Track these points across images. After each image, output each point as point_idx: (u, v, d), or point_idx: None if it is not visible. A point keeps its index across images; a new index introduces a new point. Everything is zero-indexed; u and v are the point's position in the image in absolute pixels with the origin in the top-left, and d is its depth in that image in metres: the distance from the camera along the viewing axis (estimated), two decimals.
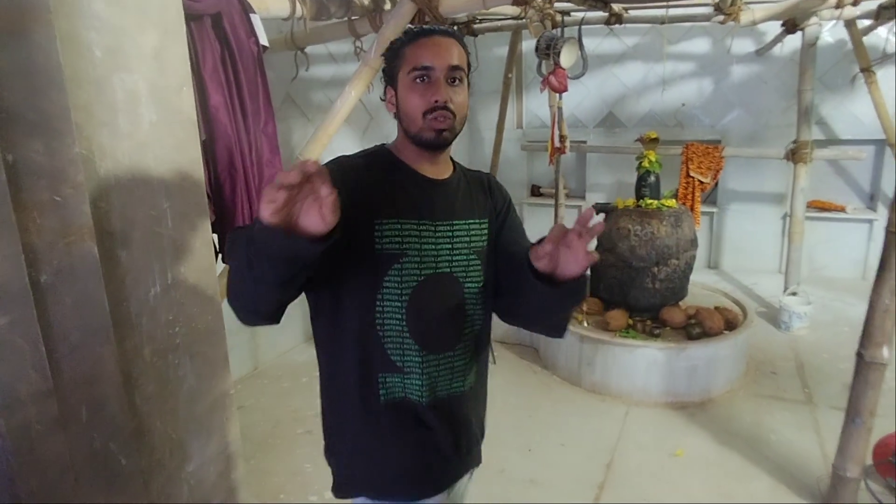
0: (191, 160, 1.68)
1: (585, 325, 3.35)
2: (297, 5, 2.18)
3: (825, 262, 5.29)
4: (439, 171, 1.18)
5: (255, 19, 1.89)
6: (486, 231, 1.20)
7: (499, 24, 4.59)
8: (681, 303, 3.49)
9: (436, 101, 1.07)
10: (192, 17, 1.65)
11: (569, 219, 5.42)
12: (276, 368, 3.72)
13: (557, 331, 1.21)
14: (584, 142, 5.79)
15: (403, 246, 1.09)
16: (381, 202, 1.10)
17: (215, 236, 2.05)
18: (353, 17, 2.54)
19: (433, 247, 1.12)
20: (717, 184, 5.20)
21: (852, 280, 5.15)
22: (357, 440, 1.16)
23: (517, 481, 2.51)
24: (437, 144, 1.12)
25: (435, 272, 1.12)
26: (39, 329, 1.27)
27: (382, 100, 1.20)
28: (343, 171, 1.08)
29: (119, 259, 1.53)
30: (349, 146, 4.50)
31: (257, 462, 2.75)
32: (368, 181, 1.11)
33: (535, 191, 6.30)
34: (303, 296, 1.15)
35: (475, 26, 4.55)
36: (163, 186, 1.61)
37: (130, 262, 1.56)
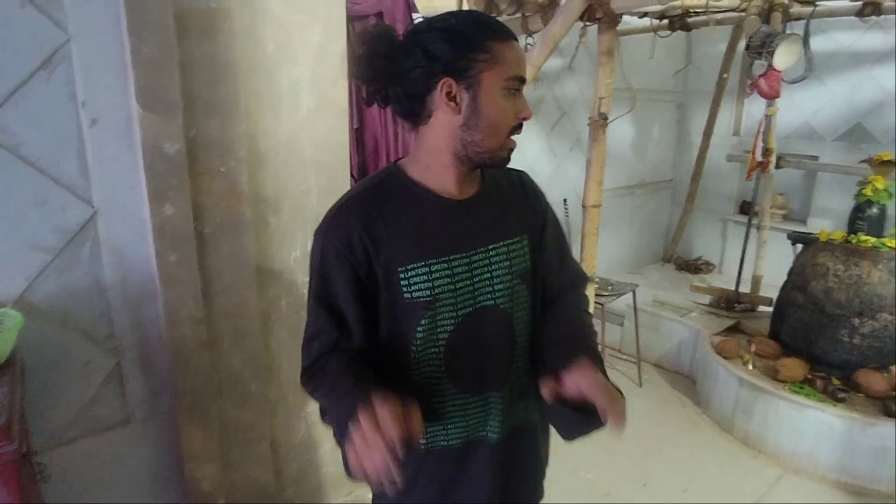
0: (340, 144, 2.00)
1: (751, 367, 3.02)
2: (465, 3, 2.37)
3: None
4: (469, 187, 1.05)
5: (418, 19, 2.13)
6: (527, 248, 1.10)
7: (719, 16, 4.24)
8: (892, 368, 2.92)
9: (524, 119, 0.99)
10: (356, 17, 1.95)
11: (774, 242, 4.81)
12: None
13: (562, 431, 1.07)
14: (816, 157, 5.04)
15: (435, 290, 1.00)
16: (405, 245, 0.99)
17: None
18: (525, 14, 2.65)
19: (469, 283, 1.03)
20: None
21: None
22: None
23: None
24: (505, 164, 1.03)
25: (474, 308, 1.03)
26: (199, 269, 1.69)
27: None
28: (350, 232, 0.98)
29: (269, 222, 1.91)
30: (536, 145, 4.63)
31: None
32: (386, 223, 0.99)
33: (746, 208, 5.67)
34: None
35: (690, 20, 4.27)
36: (313, 165, 1.95)
37: (278, 226, 1.94)
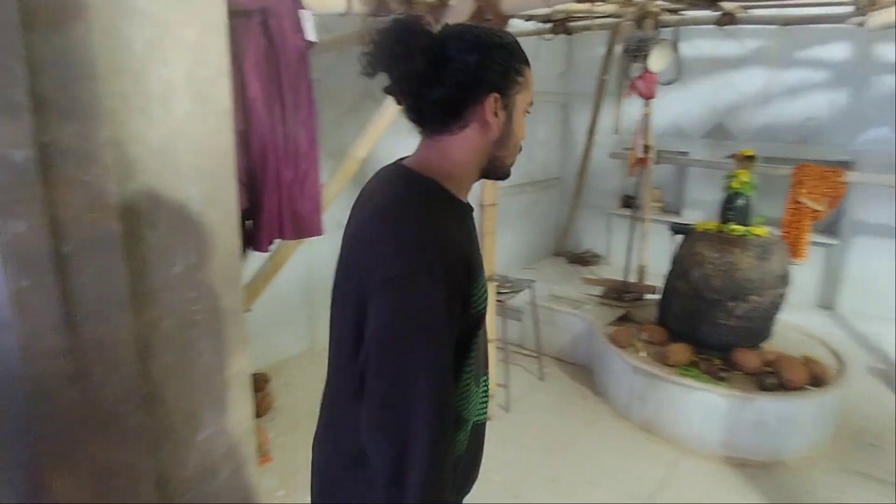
0: (223, 149, 1.86)
1: (643, 354, 3.22)
2: (354, 1, 2.31)
3: None
4: None
5: (305, 15, 2.03)
6: None
7: (597, 21, 4.50)
8: (762, 345, 3.24)
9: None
10: (238, 13, 1.82)
11: (654, 233, 5.19)
12: (326, 351, 3.97)
13: None
14: (686, 153, 5.51)
15: (486, 299, 1.02)
16: (471, 263, 0.95)
17: (250, 223, 2.26)
18: (415, 15, 2.63)
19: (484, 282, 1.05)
20: (838, 212, 4.74)
21: None
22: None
23: None
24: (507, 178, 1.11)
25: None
26: (59, 294, 1.48)
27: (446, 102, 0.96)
28: (461, 256, 0.92)
29: (144, 237, 1.73)
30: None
31: (286, 440, 2.96)
32: (463, 244, 0.95)
33: (628, 202, 6.08)
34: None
35: (571, 24, 4.49)
36: (193, 172, 1.79)
37: (155, 240, 1.76)
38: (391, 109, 2.50)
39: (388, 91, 1.00)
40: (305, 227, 2.18)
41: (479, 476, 1.20)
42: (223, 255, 1.94)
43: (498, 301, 3.30)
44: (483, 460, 1.19)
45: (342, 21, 2.94)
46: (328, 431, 1.12)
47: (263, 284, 2.60)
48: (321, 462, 1.13)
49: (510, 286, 3.49)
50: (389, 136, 2.63)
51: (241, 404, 2.13)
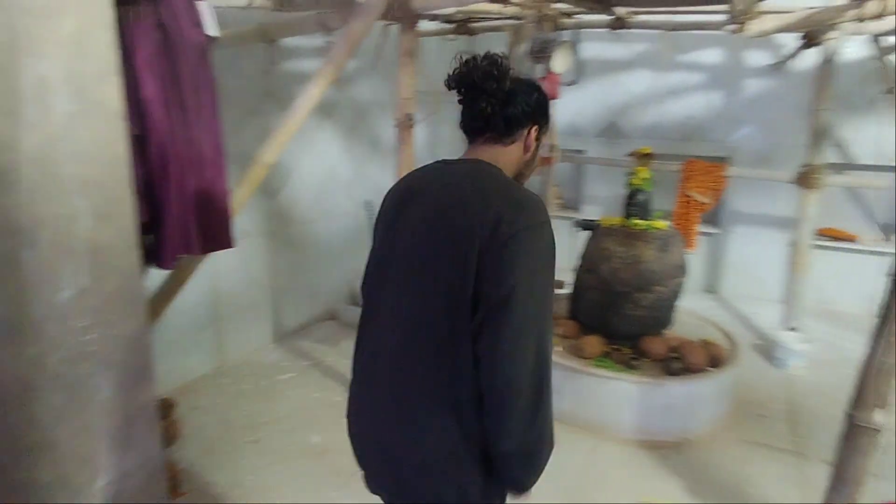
0: (114, 156, 1.64)
1: (558, 349, 3.30)
2: None
3: (834, 295, 5.23)
4: None
5: (204, 8, 1.85)
6: None
7: (498, 23, 4.55)
8: (666, 332, 3.43)
9: None
10: (125, 2, 1.62)
11: (558, 231, 5.36)
12: (239, 368, 3.72)
13: None
14: (583, 151, 5.74)
15: None
16: None
17: (151, 237, 2.02)
18: (321, 11, 2.50)
19: None
20: (720, 203, 5.14)
21: (862, 316, 5.08)
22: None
23: None
24: None
25: None
26: None
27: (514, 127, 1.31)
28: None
29: (22, 259, 1.49)
30: (334, 147, 4.48)
31: (199, 468, 2.73)
32: None
33: None
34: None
35: (472, 25, 4.52)
36: (78, 183, 1.57)
37: (36, 263, 1.52)
38: (300, 112, 2.35)
39: (463, 102, 1.31)
40: (215, 240, 1.99)
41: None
42: (120, 276, 1.72)
43: None
44: None
45: (242, 15, 2.74)
46: (410, 402, 1.22)
47: (165, 303, 2.36)
48: (411, 428, 1.21)
49: None
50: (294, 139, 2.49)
51: (147, 440, 1.92)
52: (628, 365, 3.12)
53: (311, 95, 2.31)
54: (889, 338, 1.85)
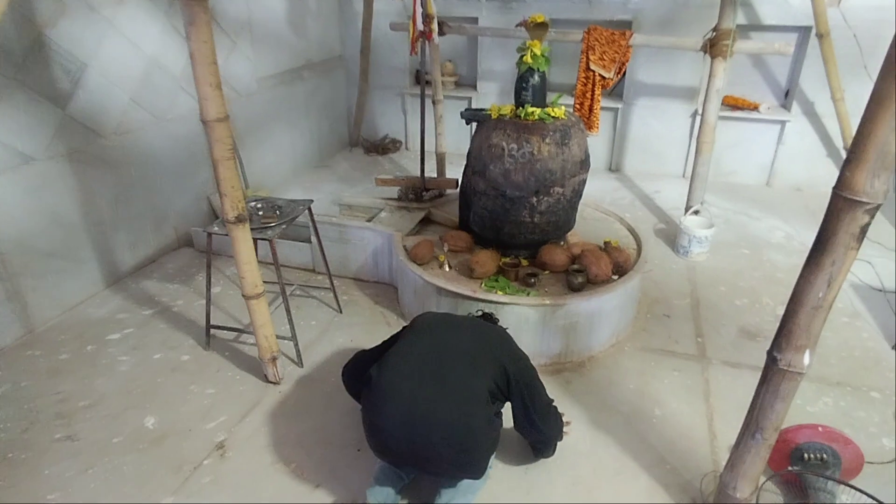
0: None
1: (447, 268, 2.76)
2: None
3: (733, 167, 4.97)
4: None
5: None
6: None
7: None
8: (567, 235, 2.95)
9: None
10: None
11: (452, 112, 4.65)
12: (55, 333, 2.85)
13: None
14: (475, 19, 4.87)
15: None
16: None
17: None
18: None
19: None
20: (624, 75, 4.57)
21: (757, 187, 4.89)
22: None
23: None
24: None
25: None
26: None
27: None
28: None
29: None
30: (148, 21, 3.27)
31: (15, 454, 2.09)
32: None
33: (419, 78, 5.39)
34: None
35: None
36: None
37: None
38: None
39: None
40: None
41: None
42: None
43: (260, 239, 2.47)
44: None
45: None
46: (456, 397, 1.74)
47: None
48: (457, 413, 1.72)
49: (280, 214, 2.66)
50: None
51: None
52: (526, 283, 2.63)
53: None
54: (826, 269, 1.41)
